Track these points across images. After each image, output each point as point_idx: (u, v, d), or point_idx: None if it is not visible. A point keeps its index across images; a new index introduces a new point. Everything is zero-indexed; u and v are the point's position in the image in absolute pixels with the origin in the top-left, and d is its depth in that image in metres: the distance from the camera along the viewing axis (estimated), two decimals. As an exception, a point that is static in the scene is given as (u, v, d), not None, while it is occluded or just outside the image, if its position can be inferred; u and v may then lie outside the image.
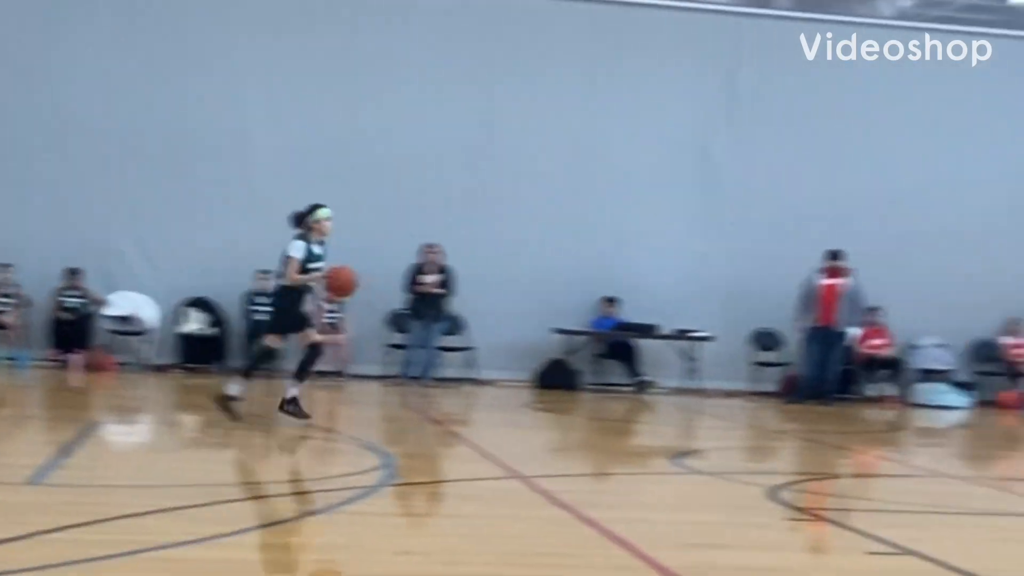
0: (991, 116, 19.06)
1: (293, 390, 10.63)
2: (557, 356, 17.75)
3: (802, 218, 18.30)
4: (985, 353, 19.04)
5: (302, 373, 10.70)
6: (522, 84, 18.17)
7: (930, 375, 18.51)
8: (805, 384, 17.54)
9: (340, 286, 10.69)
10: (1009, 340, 18.81)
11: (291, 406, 10.60)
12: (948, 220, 18.73)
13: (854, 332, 17.61)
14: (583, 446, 11.97)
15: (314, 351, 10.77)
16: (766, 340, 18.53)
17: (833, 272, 17.39)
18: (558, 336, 17.68)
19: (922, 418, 16.76)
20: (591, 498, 8.05)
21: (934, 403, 17.76)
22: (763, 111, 18.64)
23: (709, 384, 17.75)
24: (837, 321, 17.29)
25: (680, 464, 9.73)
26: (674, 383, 17.89)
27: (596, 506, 7.33)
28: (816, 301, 17.35)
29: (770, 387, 18.26)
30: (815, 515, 7.93)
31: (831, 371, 17.44)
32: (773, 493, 8.11)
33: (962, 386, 18.35)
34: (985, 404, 18.31)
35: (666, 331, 17.70)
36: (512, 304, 17.56)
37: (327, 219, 10.64)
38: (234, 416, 10.49)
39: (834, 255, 17.37)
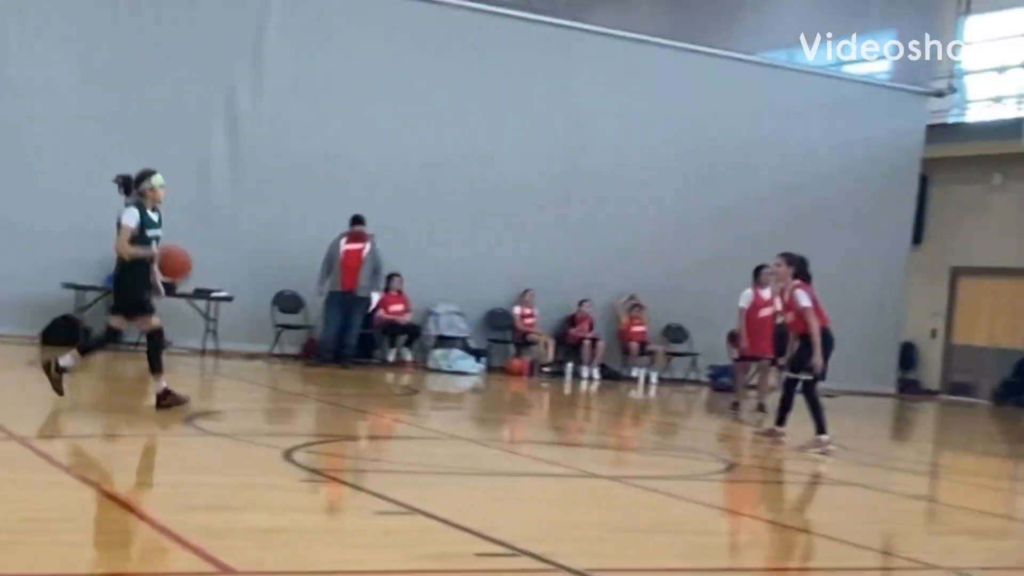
0: (522, 91, 19.86)
1: (161, 383, 10.04)
2: (66, 312, 16.85)
3: (328, 182, 18.34)
4: (497, 321, 19.93)
5: (156, 366, 10.03)
6: (58, 20, 17.17)
7: (446, 341, 19.13)
8: (326, 347, 17.67)
9: (172, 268, 10.11)
10: (520, 310, 19.77)
11: (167, 399, 10.03)
12: (470, 191, 19.40)
13: (375, 297, 17.90)
14: (93, 407, 11.37)
15: (154, 339, 10.04)
16: (288, 302, 18.45)
17: (356, 237, 17.56)
18: (70, 291, 16.79)
19: (437, 383, 17.28)
20: (97, 461, 7.65)
21: (449, 368, 18.39)
22: (291, 73, 18.45)
23: (229, 345, 17.48)
24: (358, 286, 17.50)
25: (195, 426, 9.46)
26: (194, 344, 17.45)
27: (101, 469, 6.96)
28: (338, 265, 17.47)
29: (292, 350, 18.26)
30: (329, 476, 7.93)
31: (351, 335, 17.65)
32: (289, 455, 8.05)
33: (476, 352, 19.11)
34: (496, 370, 19.18)
35: (185, 290, 17.20)
36: (18, 256, 16.50)
37: (162, 187, 10.00)
38: (59, 389, 9.97)
39: (357, 220, 17.54)
